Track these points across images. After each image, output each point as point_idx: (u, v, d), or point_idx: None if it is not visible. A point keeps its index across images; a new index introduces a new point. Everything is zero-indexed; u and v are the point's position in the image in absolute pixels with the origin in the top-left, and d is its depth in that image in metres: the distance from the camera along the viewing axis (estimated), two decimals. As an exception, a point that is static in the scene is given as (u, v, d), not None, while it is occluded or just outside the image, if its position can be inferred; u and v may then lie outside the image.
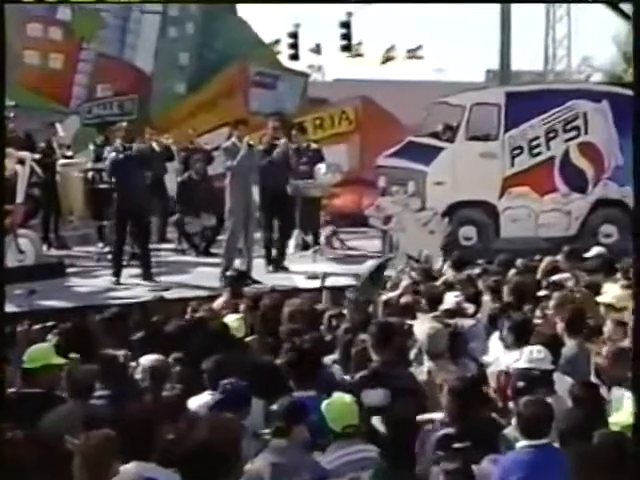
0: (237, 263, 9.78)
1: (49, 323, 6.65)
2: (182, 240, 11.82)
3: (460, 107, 11.54)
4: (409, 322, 6.08)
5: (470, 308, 6.51)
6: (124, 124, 10.42)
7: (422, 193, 11.16)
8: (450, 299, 6.49)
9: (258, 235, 10.57)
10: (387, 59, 20.49)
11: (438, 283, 7.38)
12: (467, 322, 6.20)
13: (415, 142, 11.83)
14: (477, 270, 8.16)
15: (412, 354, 5.54)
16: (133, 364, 5.58)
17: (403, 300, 6.78)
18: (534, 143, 11.53)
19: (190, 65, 16.11)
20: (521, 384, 4.66)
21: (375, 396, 4.85)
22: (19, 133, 11.47)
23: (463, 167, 11.28)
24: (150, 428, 3.98)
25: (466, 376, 4.76)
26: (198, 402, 4.92)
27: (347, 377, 5.33)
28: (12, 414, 4.45)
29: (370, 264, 8.08)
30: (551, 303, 6.19)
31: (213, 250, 11.32)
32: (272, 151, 10.48)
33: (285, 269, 10.50)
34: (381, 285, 7.55)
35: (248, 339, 6.19)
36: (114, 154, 9.73)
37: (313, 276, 9.84)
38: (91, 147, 12.14)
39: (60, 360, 5.04)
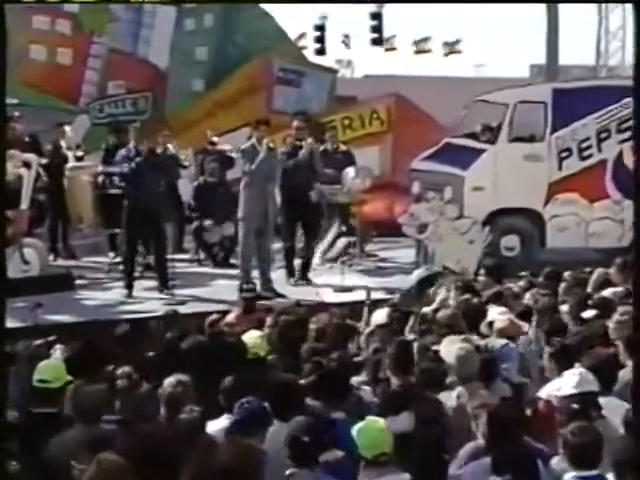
0: (254, 275, 9.83)
1: (50, 338, 6.70)
2: (199, 250, 11.89)
3: (502, 105, 11.51)
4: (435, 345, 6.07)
5: (524, 326, 6.49)
6: (137, 124, 10.49)
7: (460, 199, 11.14)
8: (496, 315, 6.46)
9: (279, 245, 10.61)
10: (421, 50, 20.46)
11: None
12: (498, 342, 6.20)
13: (453, 144, 11.82)
14: (521, 283, 8.13)
15: (448, 380, 5.52)
16: (146, 385, 5.63)
17: (439, 315, 6.77)
18: (584, 145, 11.46)
19: (208, 60, 16.15)
20: (568, 410, 4.63)
21: (399, 422, 4.85)
22: (24, 134, 11.54)
23: (505, 171, 11.24)
24: (165, 455, 4.00)
25: (507, 401, 4.75)
26: (216, 427, 4.95)
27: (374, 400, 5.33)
28: (20, 435, 4.52)
29: (416, 274, 8.08)
30: (612, 320, 6.10)
31: (232, 261, 11.38)
32: (296, 153, 10.53)
33: (309, 281, 10.53)
34: (424, 299, 7.53)
35: (270, 357, 6.22)
36: (126, 157, 9.81)
37: (341, 289, 9.85)
38: (101, 149, 12.20)
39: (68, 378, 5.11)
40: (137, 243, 9.97)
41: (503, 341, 6.22)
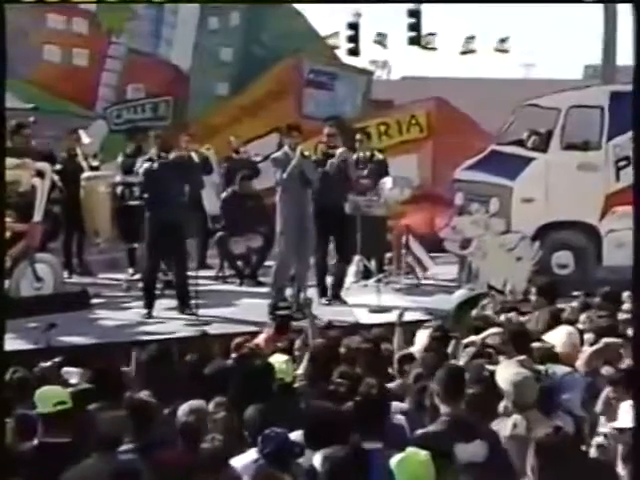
0: (288, 293, 9.85)
1: (57, 359, 6.75)
2: (224, 266, 11.95)
3: (554, 110, 11.48)
4: (490, 367, 6.06)
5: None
6: (158, 130, 10.56)
7: (507, 212, 11.12)
8: (556, 339, 6.42)
9: (311, 261, 10.64)
10: (465, 50, 20.39)
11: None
12: (560, 368, 6.15)
13: (499, 152, 11.81)
14: (575, 304, 8.09)
15: (501, 406, 5.51)
16: (167, 411, 5.68)
17: (488, 340, 6.76)
18: (644, 153, 11.40)
19: (234, 62, 16.25)
20: (629, 447, 4.60)
21: (471, 451, 4.83)
22: (39, 141, 11.61)
23: (557, 181, 11.21)
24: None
25: (561, 430, 4.71)
26: (243, 461, 4.98)
27: (421, 430, 5.32)
28: (31, 467, 4.58)
29: (457, 296, 8.06)
30: None
31: (260, 278, 11.42)
32: (327, 162, 10.57)
33: (342, 301, 10.54)
34: (467, 323, 7.50)
35: (298, 384, 6.24)
36: (147, 165, 9.89)
37: (377, 310, 9.86)
38: (120, 158, 12.28)
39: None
40: (159, 258, 10.01)
41: (566, 368, 6.17)
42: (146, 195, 10.00)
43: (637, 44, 5.75)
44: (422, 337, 7.07)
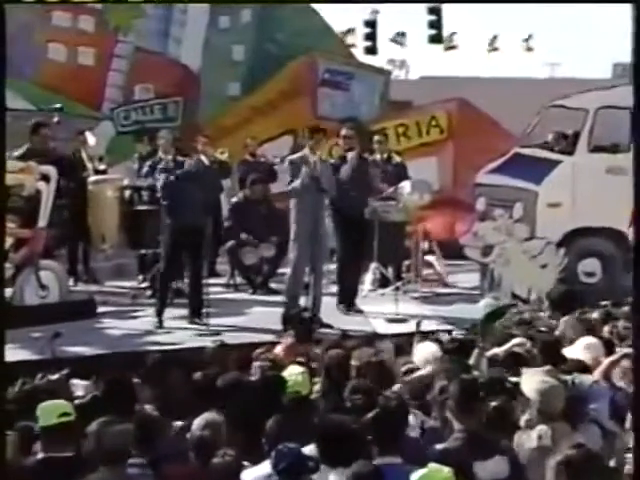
0: (302, 302, 9.86)
1: (64, 371, 6.77)
2: (234, 274, 11.97)
3: (581, 111, 11.46)
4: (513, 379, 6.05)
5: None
6: (175, 132, 10.55)
7: (532, 218, 11.10)
8: (583, 350, 6.42)
9: (325, 268, 10.64)
10: (489, 49, 20.38)
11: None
12: (586, 378, 6.15)
13: (523, 154, 11.79)
14: (595, 314, 8.08)
15: (523, 420, 5.49)
16: (176, 424, 5.70)
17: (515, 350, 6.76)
18: (678, 156, 11.37)
19: (246, 61, 16.31)
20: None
21: (492, 468, 4.82)
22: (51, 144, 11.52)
23: (585, 185, 11.18)
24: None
25: (584, 447, 4.69)
26: (256, 474, 4.99)
27: (440, 446, 5.32)
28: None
29: (482, 306, 8.05)
30: None
31: (272, 285, 11.44)
32: (342, 167, 10.57)
33: (358, 310, 10.56)
34: (491, 336, 7.49)
35: (314, 396, 6.24)
36: (166, 170, 9.89)
37: (395, 319, 9.86)
38: (135, 161, 12.26)
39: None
40: (176, 266, 10.04)
41: (593, 378, 6.17)
42: (165, 202, 9.96)
43: (637, 44, 5.80)
44: (426, 349, 7.02)
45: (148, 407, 5.79)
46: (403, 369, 6.73)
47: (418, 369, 6.64)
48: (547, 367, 6.19)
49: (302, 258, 9.84)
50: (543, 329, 7.21)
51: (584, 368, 6.34)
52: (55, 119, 11.46)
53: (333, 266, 10.92)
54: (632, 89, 11.99)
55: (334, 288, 10.75)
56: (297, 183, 9.75)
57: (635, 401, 4.28)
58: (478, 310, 8.04)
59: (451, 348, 7.01)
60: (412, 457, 4.85)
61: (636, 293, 4.96)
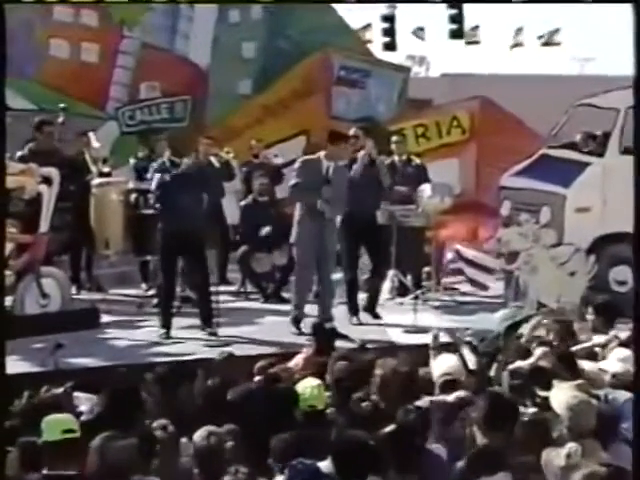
0: (308, 310, 9.89)
1: (69, 384, 6.79)
2: (245, 282, 12.00)
3: (612, 110, 11.44)
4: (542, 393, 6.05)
5: None
6: (169, 133, 10.60)
7: (560, 223, 11.09)
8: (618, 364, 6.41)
9: (339, 276, 10.65)
10: (514, 45, 20.30)
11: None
12: (620, 394, 6.13)
13: (550, 156, 11.79)
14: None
15: (554, 434, 5.49)
16: (184, 440, 5.72)
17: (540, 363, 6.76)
18: None
19: (257, 58, 16.36)
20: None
21: None
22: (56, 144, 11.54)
23: (616, 189, 11.11)
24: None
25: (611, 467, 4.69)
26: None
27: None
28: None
29: (500, 316, 8.04)
30: None
31: (285, 294, 11.46)
32: (352, 168, 10.58)
33: (377, 316, 10.55)
34: (510, 349, 7.49)
35: (329, 410, 6.25)
36: (161, 171, 9.94)
37: (413, 329, 9.86)
38: (131, 162, 12.35)
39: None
40: (174, 273, 10.05)
41: (627, 394, 6.12)
42: (158, 205, 10.01)
43: (637, 44, 5.92)
44: (446, 360, 7.01)
45: (164, 422, 5.79)
46: (440, 381, 6.66)
47: (455, 381, 6.61)
48: (579, 381, 6.18)
49: (305, 264, 9.88)
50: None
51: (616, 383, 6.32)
52: (60, 119, 11.52)
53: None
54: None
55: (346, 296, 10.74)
56: (296, 180, 9.81)
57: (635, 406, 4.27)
58: (495, 321, 8.01)
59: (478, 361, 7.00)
60: (430, 474, 4.86)
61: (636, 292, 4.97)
